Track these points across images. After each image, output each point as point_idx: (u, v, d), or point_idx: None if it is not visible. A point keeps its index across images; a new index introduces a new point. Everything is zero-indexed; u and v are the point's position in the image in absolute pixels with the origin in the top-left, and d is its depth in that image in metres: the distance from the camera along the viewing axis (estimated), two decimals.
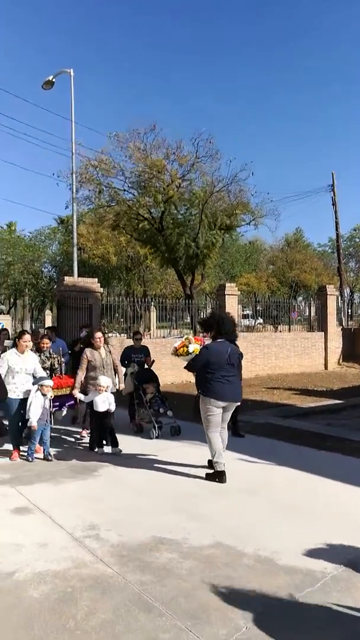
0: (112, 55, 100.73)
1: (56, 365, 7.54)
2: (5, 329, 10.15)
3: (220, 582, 3.18)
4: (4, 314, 33.27)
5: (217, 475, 5.31)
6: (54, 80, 16.27)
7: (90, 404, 6.55)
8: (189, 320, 17.63)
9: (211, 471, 5.39)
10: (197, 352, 5.53)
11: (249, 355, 15.92)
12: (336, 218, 24.61)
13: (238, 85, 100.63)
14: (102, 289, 14.64)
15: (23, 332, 6.68)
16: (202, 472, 5.51)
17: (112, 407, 6.47)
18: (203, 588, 3.12)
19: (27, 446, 6.28)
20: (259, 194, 16.84)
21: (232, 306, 15.92)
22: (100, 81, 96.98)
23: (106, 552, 3.65)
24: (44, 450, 6.26)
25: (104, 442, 6.54)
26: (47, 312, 32.76)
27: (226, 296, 15.71)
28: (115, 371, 6.97)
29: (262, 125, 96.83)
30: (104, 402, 6.37)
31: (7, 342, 9.08)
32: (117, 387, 6.95)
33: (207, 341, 5.67)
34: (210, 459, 5.41)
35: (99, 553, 3.63)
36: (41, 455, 6.23)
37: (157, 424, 7.40)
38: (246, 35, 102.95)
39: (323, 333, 18.52)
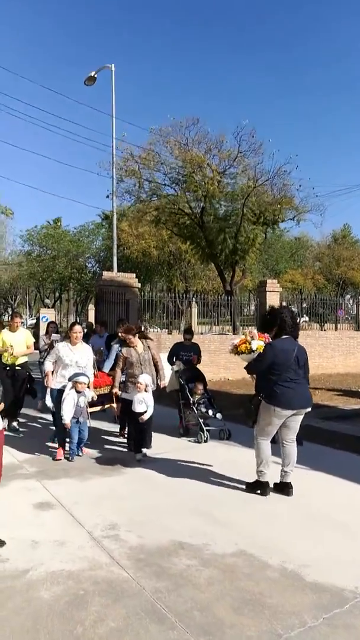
0: (155, 51, 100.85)
1: None
2: (53, 322, 10.12)
3: (240, 596, 2.97)
4: (48, 307, 34.08)
5: (259, 486, 4.79)
6: (95, 76, 16.34)
7: (128, 403, 6.16)
8: (229, 317, 17.36)
9: (252, 481, 4.90)
10: (261, 350, 4.73)
11: None
12: None
13: (283, 79, 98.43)
14: (141, 284, 14.61)
15: (74, 323, 6.40)
16: (234, 476, 5.28)
17: (150, 410, 5.93)
18: (220, 601, 2.92)
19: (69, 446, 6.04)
20: (304, 188, 16.33)
21: (274, 303, 15.48)
22: (142, 76, 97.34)
23: (123, 554, 3.51)
24: (79, 444, 6.01)
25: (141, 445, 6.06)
26: (90, 306, 33.28)
27: (267, 293, 15.33)
28: (156, 367, 6.44)
29: (309, 119, 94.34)
30: (141, 402, 5.89)
31: (54, 336, 8.93)
32: (160, 383, 6.50)
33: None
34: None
35: (116, 555, 3.49)
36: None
37: (205, 427, 6.89)
38: (292, 28, 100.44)
39: None
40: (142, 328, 6.57)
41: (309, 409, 4.80)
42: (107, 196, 17.09)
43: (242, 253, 15.88)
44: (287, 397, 4.57)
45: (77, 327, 6.17)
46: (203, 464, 5.76)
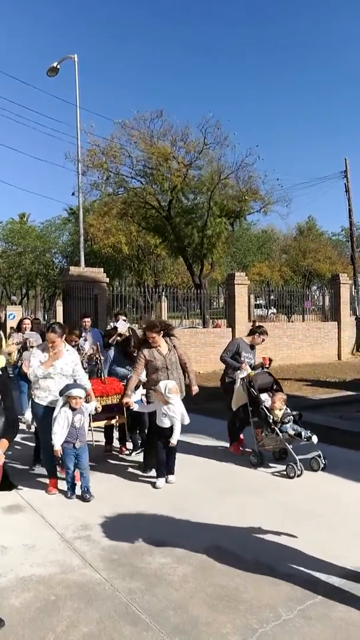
0: (118, 43, 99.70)
1: (91, 363, 6.39)
2: (37, 319, 8.75)
3: (214, 592, 2.95)
4: (15, 304, 33.37)
5: None
6: (58, 67, 15.98)
7: (151, 416, 5.16)
8: (199, 310, 17.37)
9: None
10: None
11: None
12: (349, 205, 24.01)
13: (244, 66, 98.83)
14: (109, 279, 14.44)
15: (49, 328, 5.03)
16: (209, 469, 5.25)
17: (178, 427, 4.85)
18: (195, 598, 2.90)
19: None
20: (268, 180, 16.42)
21: (242, 296, 15.60)
22: (108, 67, 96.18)
23: (96, 555, 3.45)
24: (81, 484, 4.66)
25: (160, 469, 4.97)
26: (59, 302, 32.76)
27: (236, 285, 15.38)
28: (185, 370, 5.32)
29: (270, 111, 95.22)
30: (165, 415, 4.86)
31: (29, 334, 7.66)
32: (192, 389, 5.36)
33: None
34: None
35: (88, 556, 3.42)
36: (79, 491, 4.63)
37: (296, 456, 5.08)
38: (249, 13, 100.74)
39: (336, 323, 18.11)
40: (162, 326, 5.30)
41: None
42: (73, 193, 16.80)
43: (210, 246, 15.91)
44: None
45: (51, 335, 4.84)
46: (184, 460, 5.68)
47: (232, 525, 3.92)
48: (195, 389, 5.37)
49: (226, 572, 3.19)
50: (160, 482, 4.87)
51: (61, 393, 4.72)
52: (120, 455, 5.99)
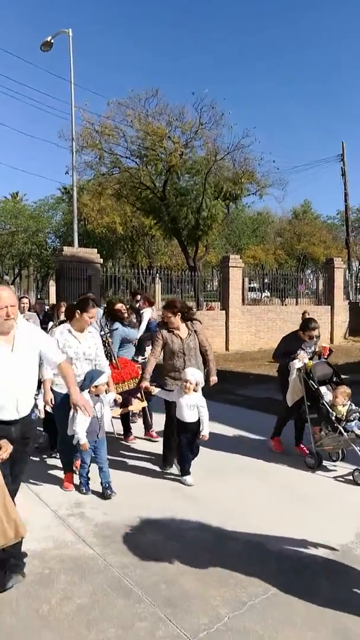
0: (114, 16, 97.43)
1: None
2: (41, 299, 8.06)
3: (205, 568, 3.03)
4: (8, 284, 33.18)
5: None
6: (52, 41, 15.62)
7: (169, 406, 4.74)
8: (193, 292, 17.38)
9: None
10: None
11: (253, 328, 15.74)
12: (345, 189, 23.92)
13: (241, 47, 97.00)
14: (103, 260, 14.38)
15: (88, 302, 4.45)
16: (203, 450, 5.30)
17: (207, 420, 4.44)
18: (186, 573, 2.98)
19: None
20: (265, 162, 16.31)
21: (237, 278, 15.61)
22: (103, 41, 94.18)
23: (89, 531, 3.52)
24: (101, 480, 4.25)
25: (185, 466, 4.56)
26: (52, 282, 32.65)
27: (230, 268, 15.38)
28: (205, 360, 4.86)
29: (266, 94, 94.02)
30: (193, 408, 4.39)
31: (29, 314, 7.18)
32: (210, 379, 4.89)
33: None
34: None
35: (82, 533, 3.49)
36: (99, 488, 4.23)
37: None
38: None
39: (329, 307, 18.20)
40: (183, 308, 4.81)
41: None
42: (67, 172, 16.53)
43: (205, 228, 15.84)
44: None
45: (94, 311, 4.41)
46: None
47: (224, 504, 4.00)
48: (214, 379, 4.90)
49: (217, 548, 3.27)
50: (190, 479, 4.48)
51: (83, 387, 4.16)
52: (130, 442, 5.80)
